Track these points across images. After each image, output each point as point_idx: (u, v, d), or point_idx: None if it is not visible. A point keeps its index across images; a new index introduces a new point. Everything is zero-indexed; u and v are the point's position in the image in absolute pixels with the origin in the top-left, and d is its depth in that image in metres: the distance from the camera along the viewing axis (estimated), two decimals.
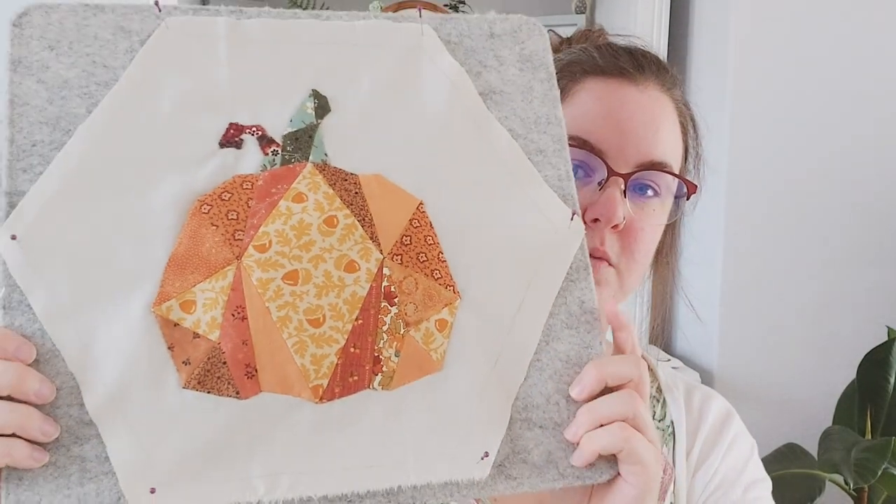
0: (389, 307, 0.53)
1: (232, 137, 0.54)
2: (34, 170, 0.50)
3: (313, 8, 1.85)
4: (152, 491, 0.47)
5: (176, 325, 0.50)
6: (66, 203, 0.50)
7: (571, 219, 0.56)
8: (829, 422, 1.53)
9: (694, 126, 0.76)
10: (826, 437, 1.44)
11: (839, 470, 1.32)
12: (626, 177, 0.67)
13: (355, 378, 0.51)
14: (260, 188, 0.53)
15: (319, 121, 0.55)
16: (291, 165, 0.54)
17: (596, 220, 0.66)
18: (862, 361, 1.49)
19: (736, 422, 0.78)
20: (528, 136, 0.57)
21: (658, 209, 0.70)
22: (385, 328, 0.52)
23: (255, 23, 0.55)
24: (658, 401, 0.78)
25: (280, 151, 0.54)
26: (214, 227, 0.52)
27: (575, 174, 0.66)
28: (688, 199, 0.72)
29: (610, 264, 0.68)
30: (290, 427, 0.50)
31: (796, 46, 1.57)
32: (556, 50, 0.78)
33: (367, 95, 0.55)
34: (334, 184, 0.54)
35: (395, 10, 1.79)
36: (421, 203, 0.54)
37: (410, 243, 0.54)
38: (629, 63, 0.71)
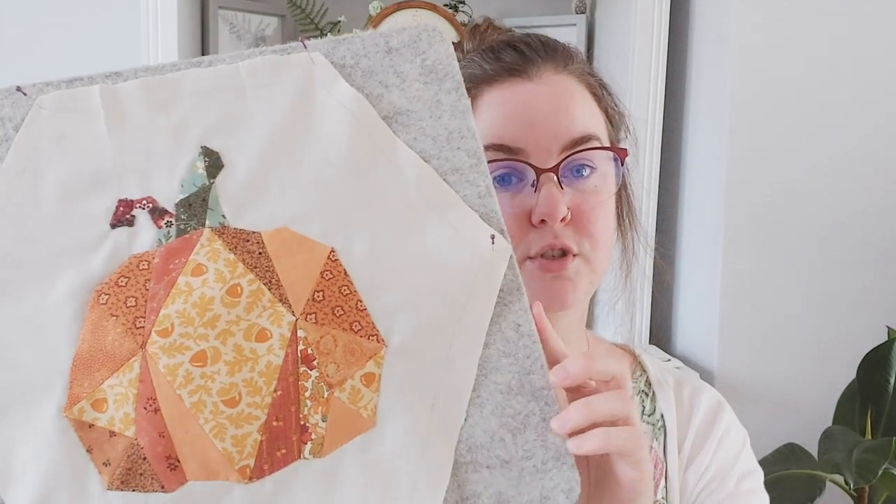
0: (309, 371, 0.50)
1: (122, 215, 0.50)
2: None
3: (313, 8, 1.85)
4: None
5: (91, 426, 0.48)
6: None
7: (492, 241, 0.52)
8: (829, 422, 1.52)
9: (606, 89, 0.73)
10: (826, 437, 1.43)
11: (840, 470, 1.31)
12: (554, 170, 0.65)
13: (283, 451, 0.49)
14: (157, 266, 0.50)
15: (212, 180, 0.51)
16: (188, 235, 0.50)
17: (543, 220, 0.65)
18: (862, 361, 1.48)
19: (727, 413, 0.76)
20: (441, 154, 0.52)
21: (600, 184, 0.68)
22: (307, 394, 0.49)
23: (132, 84, 0.51)
24: (647, 395, 0.76)
25: (174, 222, 0.50)
26: (115, 318, 0.49)
27: (506, 181, 0.65)
28: (622, 164, 0.70)
29: (574, 254, 0.67)
30: None
31: (797, 47, 1.56)
32: None
33: (262, 142, 0.51)
34: (235, 247, 0.50)
35: (395, 11, 1.79)
36: (332, 251, 0.51)
37: (324, 298, 0.50)
38: (515, 59, 0.69)
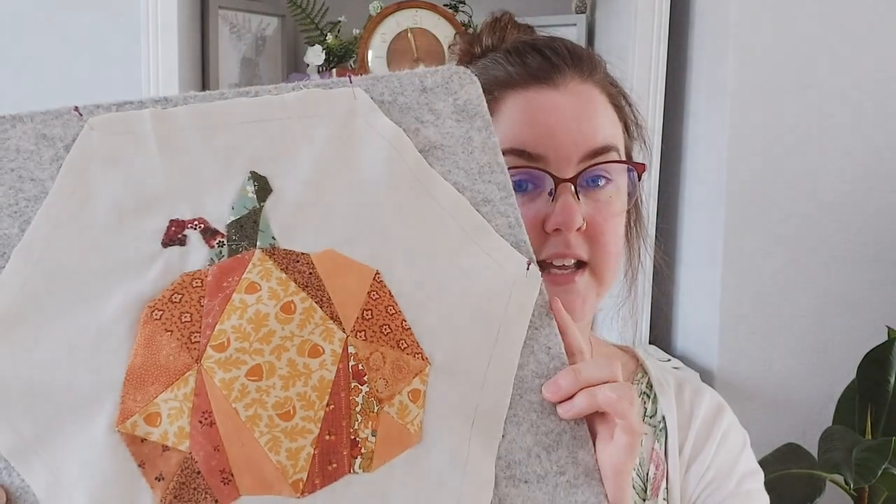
0: (360, 386, 0.51)
1: (174, 235, 0.51)
2: None
3: (313, 8, 1.85)
4: None
5: (143, 440, 0.49)
6: (12, 333, 0.49)
7: (528, 268, 0.54)
8: (829, 422, 1.52)
9: (626, 99, 0.74)
10: (826, 436, 1.43)
11: (840, 470, 1.32)
12: (573, 180, 0.66)
13: (334, 466, 0.50)
14: (210, 284, 0.51)
15: (262, 203, 0.53)
16: (240, 255, 0.52)
17: (557, 228, 0.66)
18: (862, 361, 1.49)
19: (727, 414, 0.77)
20: (474, 187, 0.55)
21: (615, 195, 0.69)
22: (358, 409, 0.51)
23: (182, 110, 0.53)
24: (649, 396, 0.77)
25: (226, 242, 0.52)
26: (169, 333, 0.50)
27: (524, 188, 0.66)
28: (639, 179, 0.71)
29: (583, 264, 0.68)
30: None
31: (796, 46, 1.56)
32: (468, 52, 0.77)
33: (307, 170, 0.53)
34: (286, 267, 0.52)
35: (395, 11, 1.79)
36: (377, 273, 0.53)
37: (372, 317, 0.52)
38: (541, 66, 0.69)
